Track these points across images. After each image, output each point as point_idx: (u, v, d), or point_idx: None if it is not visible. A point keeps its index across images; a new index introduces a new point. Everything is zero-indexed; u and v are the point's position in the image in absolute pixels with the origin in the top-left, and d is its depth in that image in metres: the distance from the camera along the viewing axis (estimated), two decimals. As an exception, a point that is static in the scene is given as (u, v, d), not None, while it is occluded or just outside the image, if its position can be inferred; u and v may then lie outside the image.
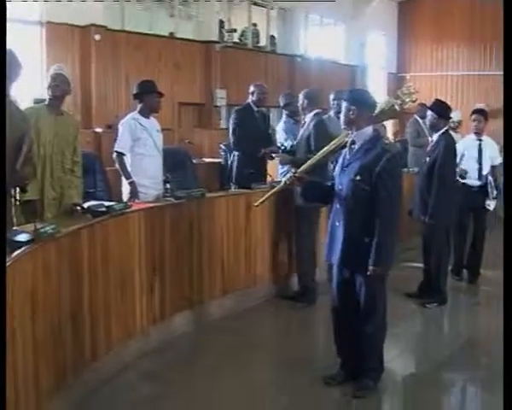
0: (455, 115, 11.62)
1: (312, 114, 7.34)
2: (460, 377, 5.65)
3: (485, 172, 8.15)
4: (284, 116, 8.45)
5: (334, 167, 5.25)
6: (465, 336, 6.74)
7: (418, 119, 11.68)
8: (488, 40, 21.95)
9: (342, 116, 4.92)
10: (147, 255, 5.78)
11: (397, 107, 5.69)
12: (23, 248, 4.00)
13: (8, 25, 10.71)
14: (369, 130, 4.84)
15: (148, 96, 6.78)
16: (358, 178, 4.72)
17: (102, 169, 8.07)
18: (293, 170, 5.35)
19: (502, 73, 5.07)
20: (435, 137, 7.27)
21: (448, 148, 7.15)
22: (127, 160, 6.70)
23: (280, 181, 6.02)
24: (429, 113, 7.36)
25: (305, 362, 5.65)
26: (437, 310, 7.28)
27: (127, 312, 5.57)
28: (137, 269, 5.67)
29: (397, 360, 5.81)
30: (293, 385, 5.23)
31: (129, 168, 6.68)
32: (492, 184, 8.13)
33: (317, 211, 7.35)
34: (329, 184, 5.10)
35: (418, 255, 7.84)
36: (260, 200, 5.72)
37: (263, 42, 18.26)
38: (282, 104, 8.48)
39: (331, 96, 8.29)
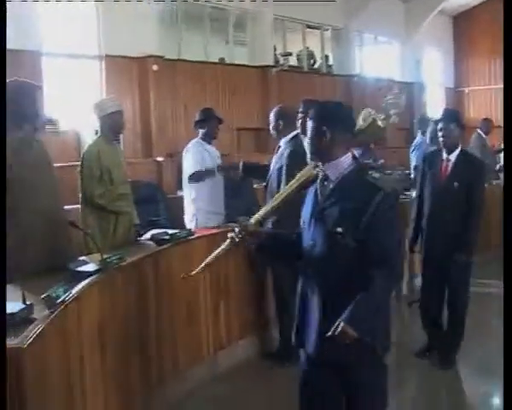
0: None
1: (289, 137, 6.06)
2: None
3: None
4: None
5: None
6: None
7: (482, 134, 11.43)
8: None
9: (309, 141, 3.52)
10: (211, 281, 5.82)
11: (380, 123, 4.30)
12: (91, 279, 4.08)
13: (67, 60, 11.00)
14: (346, 159, 3.42)
15: (210, 123, 6.89)
16: (339, 230, 3.29)
17: (164, 197, 8.17)
18: (242, 221, 3.85)
19: None
20: (453, 156, 5.88)
21: (482, 170, 6.09)
22: (192, 186, 6.80)
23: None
24: (442, 126, 5.91)
25: None
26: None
27: (193, 337, 5.60)
28: (202, 295, 5.71)
29: None
30: None
31: (194, 195, 6.78)
32: None
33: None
34: (294, 236, 3.68)
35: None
36: (198, 267, 4.10)
37: (318, 64, 18.30)
38: None
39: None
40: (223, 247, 3.86)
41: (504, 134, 4.30)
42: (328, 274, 3.34)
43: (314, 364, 3.47)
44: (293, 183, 3.96)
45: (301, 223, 3.59)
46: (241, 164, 6.59)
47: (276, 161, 6.05)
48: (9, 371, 2.81)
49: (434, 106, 20.57)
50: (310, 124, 3.50)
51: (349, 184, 3.36)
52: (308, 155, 3.55)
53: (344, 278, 3.29)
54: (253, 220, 3.88)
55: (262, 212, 3.97)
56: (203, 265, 4.02)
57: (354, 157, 3.46)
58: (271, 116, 6.26)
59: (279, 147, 6.14)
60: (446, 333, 6.06)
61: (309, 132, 3.50)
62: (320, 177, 3.49)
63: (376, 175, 3.40)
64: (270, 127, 6.25)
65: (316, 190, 3.50)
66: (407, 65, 20.44)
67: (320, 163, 3.48)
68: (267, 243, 3.74)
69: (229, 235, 3.76)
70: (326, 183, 3.44)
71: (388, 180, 3.61)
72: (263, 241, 3.71)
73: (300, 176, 3.88)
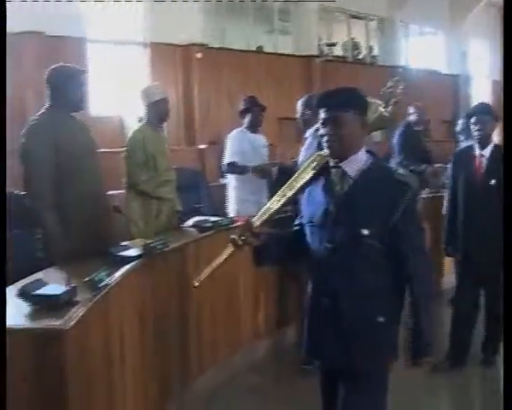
0: None
1: (314, 128, 5.52)
2: None
3: None
4: None
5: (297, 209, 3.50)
6: None
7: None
8: None
9: (328, 137, 3.08)
10: (253, 269, 5.80)
11: (383, 111, 4.04)
12: (133, 263, 4.10)
13: (113, 47, 11.07)
14: (363, 153, 3.13)
15: (253, 111, 6.89)
16: (366, 232, 2.99)
17: (207, 185, 8.18)
18: (245, 222, 3.37)
19: None
20: (487, 151, 5.45)
21: None
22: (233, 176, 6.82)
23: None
24: (476, 118, 5.45)
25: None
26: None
27: (233, 326, 5.61)
28: (243, 284, 5.71)
29: None
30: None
31: (235, 183, 6.79)
32: None
33: None
34: (294, 237, 3.36)
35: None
36: (201, 276, 3.58)
37: (363, 54, 18.17)
38: None
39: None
40: (228, 250, 3.38)
41: (504, 134, 4.18)
42: (354, 277, 3.05)
43: (328, 370, 3.31)
44: (303, 174, 3.36)
45: (305, 221, 3.26)
46: (276, 169, 6.56)
47: (306, 153, 5.73)
48: (51, 352, 2.85)
49: (481, 99, 20.27)
50: (327, 115, 3.07)
51: (373, 181, 3.06)
52: (327, 152, 3.13)
53: (368, 281, 3.05)
54: (257, 219, 3.39)
55: (263, 217, 3.39)
56: (209, 271, 3.51)
57: (368, 151, 3.15)
58: (299, 105, 6.13)
59: (305, 138, 5.96)
60: (485, 334, 5.90)
61: (329, 124, 3.06)
62: (334, 172, 3.12)
63: (401, 171, 3.18)
64: (298, 116, 6.12)
65: (326, 186, 3.15)
66: (453, 56, 20.17)
67: (337, 160, 3.10)
68: (272, 243, 3.34)
69: (231, 237, 3.32)
70: (343, 179, 3.09)
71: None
72: (267, 242, 3.30)
73: (313, 166, 3.32)
